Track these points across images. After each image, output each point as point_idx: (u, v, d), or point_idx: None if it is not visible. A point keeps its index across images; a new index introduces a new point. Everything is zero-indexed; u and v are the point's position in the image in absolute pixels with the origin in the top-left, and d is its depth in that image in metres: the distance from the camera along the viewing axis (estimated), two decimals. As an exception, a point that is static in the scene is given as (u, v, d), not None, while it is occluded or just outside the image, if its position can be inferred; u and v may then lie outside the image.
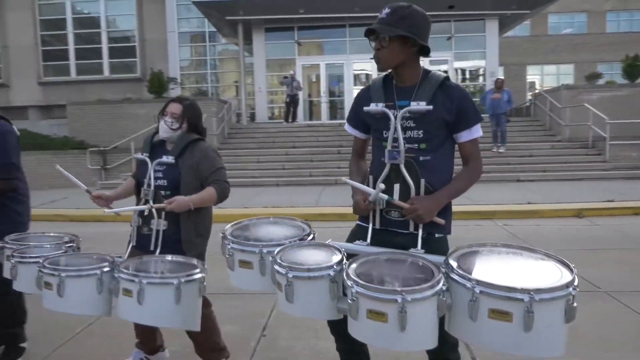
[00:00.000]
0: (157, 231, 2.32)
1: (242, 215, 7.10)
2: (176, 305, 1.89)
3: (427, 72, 1.85)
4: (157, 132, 2.49)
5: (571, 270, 1.42)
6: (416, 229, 1.79)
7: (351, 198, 1.92)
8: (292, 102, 14.90)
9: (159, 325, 2.19)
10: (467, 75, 17.48)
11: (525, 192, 8.60)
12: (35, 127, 17.64)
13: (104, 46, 19.25)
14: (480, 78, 17.00)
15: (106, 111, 13.57)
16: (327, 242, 1.79)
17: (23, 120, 19.26)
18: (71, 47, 19.30)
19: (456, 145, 1.89)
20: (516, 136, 12.30)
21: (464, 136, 1.83)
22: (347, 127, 2.11)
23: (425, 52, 1.83)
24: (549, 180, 10.01)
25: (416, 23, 1.76)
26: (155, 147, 2.45)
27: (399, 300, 1.29)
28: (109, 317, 2.03)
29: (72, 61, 19.32)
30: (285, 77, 15.14)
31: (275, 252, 1.70)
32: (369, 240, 1.85)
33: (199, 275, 2.02)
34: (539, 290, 1.31)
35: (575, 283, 1.37)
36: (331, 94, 16.70)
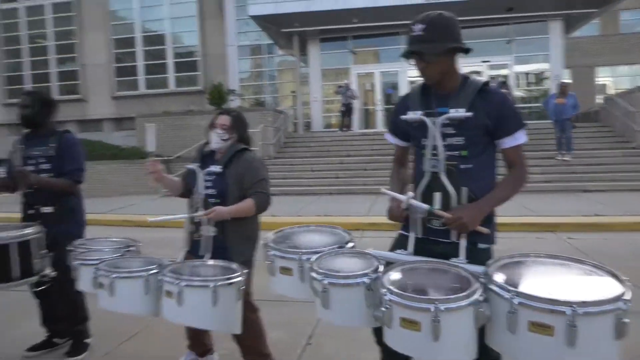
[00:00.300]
0: (207, 237, 2.41)
1: (294, 223, 7.22)
2: (213, 307, 1.96)
3: (465, 78, 1.82)
4: (207, 143, 2.59)
5: (622, 283, 1.35)
6: (459, 238, 1.75)
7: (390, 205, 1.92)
8: (347, 110, 14.98)
9: (197, 326, 2.26)
10: (530, 80, 16.74)
11: (593, 203, 8.06)
12: (109, 138, 18.94)
13: (170, 61, 20.38)
14: (545, 82, 16.21)
15: (170, 123, 14.28)
16: (366, 251, 1.80)
17: (98, 132, 20.76)
18: (140, 64, 20.61)
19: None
20: (583, 143, 11.57)
21: (507, 143, 1.78)
22: (387, 135, 2.12)
23: (465, 52, 1.79)
24: (620, 191, 9.32)
25: (454, 29, 1.74)
26: (206, 158, 2.56)
27: (432, 309, 1.28)
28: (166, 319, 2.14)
29: (141, 76, 20.62)
30: (340, 87, 15.25)
31: (313, 259, 1.74)
32: (411, 249, 1.83)
33: (237, 279, 2.08)
34: (583, 303, 1.24)
35: (627, 297, 1.28)
36: (386, 101, 16.60)
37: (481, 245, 1.79)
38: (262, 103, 18.39)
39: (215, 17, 19.42)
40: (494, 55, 14.87)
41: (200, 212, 2.36)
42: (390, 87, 16.68)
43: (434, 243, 1.82)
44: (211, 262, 2.28)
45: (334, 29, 15.55)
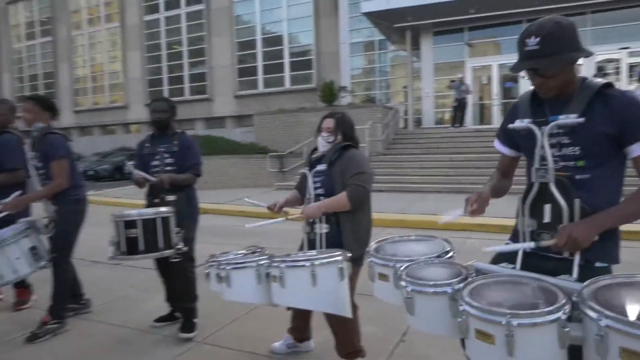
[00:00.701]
0: (321, 234, 2.52)
1: (398, 221, 7.16)
2: (313, 287, 2.07)
3: (583, 80, 1.64)
4: (316, 148, 2.74)
5: None
6: (572, 254, 1.60)
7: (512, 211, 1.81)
8: (460, 106, 14.38)
9: (302, 306, 2.36)
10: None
11: None
12: (231, 134, 20.55)
13: (286, 61, 21.39)
14: None
15: (284, 120, 15.03)
16: (470, 263, 1.77)
17: (221, 128, 22.61)
18: (259, 64, 21.96)
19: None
20: None
21: (636, 150, 1.56)
22: (495, 143, 1.98)
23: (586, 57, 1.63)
24: None
25: (573, 37, 1.56)
26: (315, 162, 2.68)
27: (504, 322, 1.24)
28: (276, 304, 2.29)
29: (260, 76, 21.95)
30: (453, 81, 14.69)
31: (403, 267, 1.77)
32: (518, 264, 1.70)
33: (336, 258, 2.15)
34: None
35: None
36: (504, 95, 15.56)
37: (598, 264, 1.61)
38: (372, 99, 18.42)
39: (330, 16, 19.88)
40: (634, 40, 13.10)
41: (296, 215, 2.49)
42: (510, 81, 15.61)
43: (543, 259, 1.67)
44: (314, 252, 2.37)
45: (448, 21, 15.00)
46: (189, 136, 3.41)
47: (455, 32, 15.84)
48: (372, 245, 2.12)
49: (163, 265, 3.33)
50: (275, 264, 2.15)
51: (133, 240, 2.93)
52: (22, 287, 3.88)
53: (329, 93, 14.66)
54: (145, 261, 3.24)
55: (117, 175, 20.50)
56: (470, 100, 15.01)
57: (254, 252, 2.64)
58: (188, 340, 3.11)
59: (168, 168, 3.24)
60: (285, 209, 2.72)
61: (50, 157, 3.25)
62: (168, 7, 24.23)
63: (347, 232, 2.50)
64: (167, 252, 3.02)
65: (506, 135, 1.88)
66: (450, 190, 10.10)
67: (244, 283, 2.30)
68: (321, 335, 2.92)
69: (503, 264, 1.75)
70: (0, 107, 3.85)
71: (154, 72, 24.93)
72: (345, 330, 2.59)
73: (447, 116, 16.31)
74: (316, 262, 2.09)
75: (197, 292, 3.32)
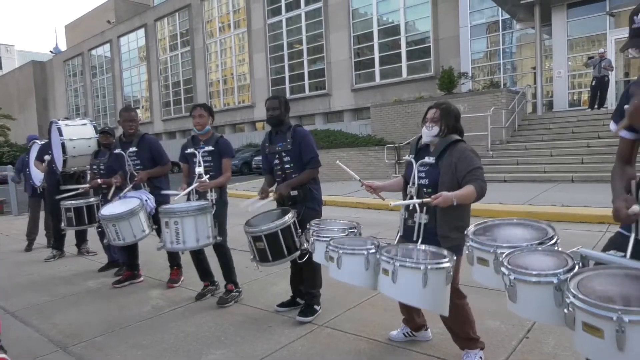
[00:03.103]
0: (420, 224, 2.60)
1: (524, 213, 6.75)
2: (423, 288, 2.16)
3: None
4: (422, 137, 2.77)
5: None
6: None
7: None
8: (600, 85, 12.82)
9: (408, 303, 2.50)
10: None
11: None
12: (348, 127, 20.99)
13: (403, 50, 21.11)
14: None
15: (401, 110, 14.90)
16: (576, 249, 1.73)
17: (339, 122, 23.20)
18: (376, 56, 21.99)
19: None
20: None
21: None
22: (612, 125, 1.85)
23: None
24: None
25: None
26: (421, 150, 2.73)
27: (615, 318, 1.21)
28: (382, 293, 2.42)
29: (377, 68, 21.99)
30: (591, 58, 13.15)
31: (505, 254, 1.78)
32: (628, 253, 1.62)
33: (446, 265, 2.22)
34: None
35: None
36: (658, 69, 13.47)
37: None
38: (496, 84, 17.31)
39: (448, 0, 19.12)
40: None
41: (428, 199, 2.49)
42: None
43: None
44: (423, 246, 2.48)
45: (585, -9, 13.45)
46: (301, 129, 3.54)
47: (593, 1, 14.12)
48: (471, 228, 2.14)
49: None
50: (389, 260, 2.27)
51: (262, 251, 3.30)
52: (176, 267, 4.55)
53: (448, 80, 14.16)
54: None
55: (245, 169, 22.28)
56: (613, 77, 13.30)
57: (352, 228, 2.93)
58: (307, 324, 3.36)
59: (287, 166, 3.48)
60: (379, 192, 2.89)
61: (224, 155, 3.95)
62: (289, 9, 25.46)
63: (446, 223, 2.53)
64: (293, 256, 3.33)
65: (624, 116, 1.74)
66: (587, 179, 9.15)
67: (353, 267, 2.48)
68: (439, 327, 2.96)
69: (611, 252, 1.66)
70: (132, 115, 4.55)
71: (277, 72, 26.46)
72: (457, 321, 2.63)
73: (585, 97, 14.68)
74: (429, 267, 2.18)
75: (320, 280, 3.55)
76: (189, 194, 3.89)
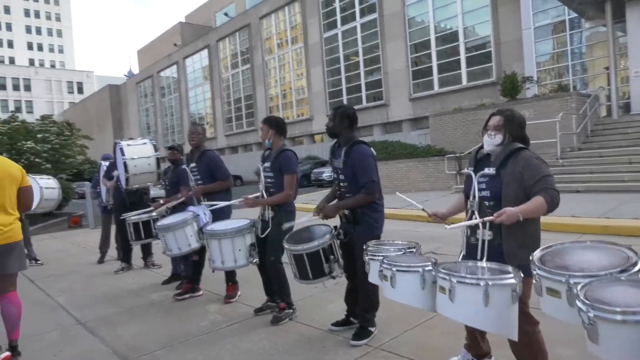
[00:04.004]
0: (483, 241, 2.40)
1: (601, 227, 6.24)
2: (485, 307, 1.97)
3: None
4: (482, 147, 2.57)
5: None
6: None
7: None
8: (685, 83, 11.72)
9: (469, 323, 2.28)
10: None
11: None
12: (407, 137, 20.64)
13: (462, 57, 20.52)
14: None
15: (461, 119, 14.42)
16: None
17: (398, 132, 22.89)
18: (434, 64, 21.53)
19: None
20: None
21: None
22: None
23: None
24: None
25: None
26: (481, 161, 2.54)
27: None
28: (440, 313, 2.24)
29: (435, 76, 21.51)
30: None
31: (580, 285, 1.58)
32: None
33: (510, 281, 2.02)
34: None
35: None
36: None
37: None
38: (565, 87, 16.31)
39: (509, 2, 18.39)
40: None
41: (490, 217, 2.32)
42: None
43: None
44: (485, 263, 2.30)
45: (664, -18, 12.41)
46: (358, 148, 3.26)
47: (673, -6, 12.99)
48: (537, 253, 1.94)
49: (350, 270, 3.46)
50: (445, 276, 2.11)
51: (303, 269, 3.31)
52: (232, 283, 4.63)
53: (511, 86, 13.52)
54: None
55: (305, 182, 22.48)
56: (701, 74, 12.11)
57: (410, 248, 2.74)
58: (363, 346, 3.25)
59: (342, 184, 3.34)
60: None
61: (283, 170, 3.74)
62: (344, 22, 25.65)
63: (512, 239, 2.32)
64: (320, 281, 3.30)
65: None
66: (673, 188, 8.33)
67: (408, 286, 2.33)
68: (502, 355, 2.75)
69: None
70: (197, 129, 4.71)
71: (334, 84, 26.65)
72: (526, 349, 2.41)
73: (667, 97, 13.43)
74: (490, 283, 1.99)
75: (377, 302, 3.42)
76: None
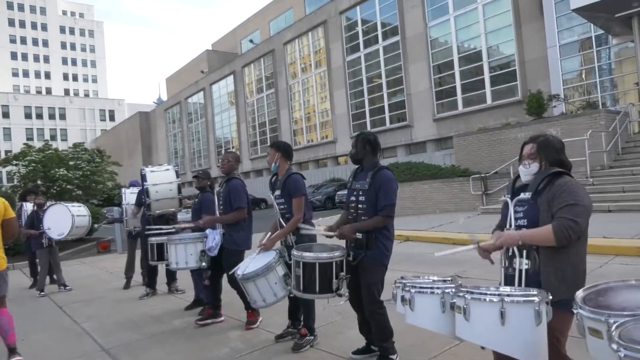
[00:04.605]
0: (520, 271, 2.25)
1: (634, 249, 5.96)
2: (501, 326, 1.87)
3: None
4: (519, 176, 2.46)
5: None
6: None
7: None
8: None
9: (486, 345, 2.10)
10: None
11: None
12: (431, 158, 20.48)
13: (486, 76, 20.38)
14: None
15: (486, 139, 14.23)
16: None
17: (422, 153, 22.73)
18: (458, 84, 21.45)
19: None
20: None
21: None
22: None
23: None
24: None
25: None
26: (519, 190, 2.40)
27: None
28: (471, 342, 2.11)
29: (459, 96, 21.39)
30: None
31: (616, 323, 1.50)
32: None
33: (532, 299, 1.91)
34: None
35: None
36: None
37: None
38: (593, 104, 15.95)
39: (532, 21, 18.28)
40: None
41: (489, 242, 2.26)
42: None
43: None
44: (509, 288, 2.12)
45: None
46: (385, 173, 3.30)
47: None
48: (580, 293, 1.83)
49: (355, 301, 3.43)
50: (461, 294, 2.02)
51: (297, 278, 3.29)
52: (252, 310, 4.60)
53: (537, 104, 13.30)
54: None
55: (329, 204, 22.47)
56: None
57: (445, 281, 2.52)
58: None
59: (360, 206, 3.31)
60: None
61: (292, 195, 3.80)
62: (367, 45, 25.94)
63: (549, 269, 2.17)
64: (325, 296, 3.24)
65: None
66: None
67: (428, 309, 2.24)
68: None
69: None
70: (228, 156, 4.76)
71: (357, 107, 26.81)
72: None
73: None
74: (507, 299, 1.89)
75: (389, 330, 3.31)
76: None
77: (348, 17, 27.21)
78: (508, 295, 1.92)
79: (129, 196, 7.33)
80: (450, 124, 21.34)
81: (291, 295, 3.77)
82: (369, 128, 25.45)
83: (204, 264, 4.68)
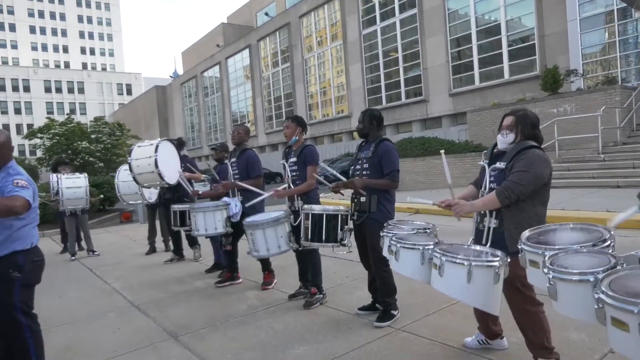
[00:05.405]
0: (489, 228, 2.64)
1: (634, 222, 6.12)
2: (467, 283, 2.28)
3: None
4: (497, 144, 2.79)
5: None
6: None
7: None
8: None
9: (453, 297, 2.61)
10: None
11: None
12: (447, 133, 20.49)
13: (504, 50, 20.08)
14: None
15: (500, 114, 14.15)
16: (634, 253, 1.75)
17: (437, 128, 22.70)
18: (475, 58, 21.17)
19: None
20: None
21: None
22: None
23: None
24: None
25: None
26: (497, 157, 2.75)
27: (636, 311, 1.28)
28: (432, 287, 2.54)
29: (476, 70, 21.16)
30: None
31: (549, 255, 1.86)
32: None
33: (493, 263, 2.31)
34: None
35: None
36: None
37: None
38: (613, 80, 15.72)
39: (553, -7, 17.89)
40: None
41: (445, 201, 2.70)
42: None
43: None
44: (478, 247, 2.58)
45: None
46: (386, 143, 3.62)
47: None
48: (526, 233, 2.19)
49: (365, 261, 3.80)
50: (438, 254, 2.42)
51: (306, 229, 3.73)
52: (268, 271, 4.99)
53: (552, 80, 13.22)
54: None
55: (344, 178, 22.73)
56: None
57: (424, 229, 3.06)
58: (385, 328, 3.52)
59: (364, 172, 3.64)
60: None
61: (307, 162, 4.17)
62: (384, 18, 25.63)
63: (511, 226, 2.53)
64: (331, 245, 3.65)
65: None
66: None
67: (410, 261, 2.66)
68: (516, 337, 2.94)
69: None
70: (238, 129, 5.10)
71: (373, 81, 26.70)
72: (530, 328, 2.63)
73: None
74: (473, 263, 2.28)
75: (393, 286, 3.66)
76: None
77: (365, -10, 26.86)
78: (475, 260, 2.32)
79: (122, 173, 7.75)
80: (466, 99, 21.21)
81: (297, 248, 4.14)
82: (384, 103, 25.43)
83: (230, 229, 4.97)
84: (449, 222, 7.94)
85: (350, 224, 3.72)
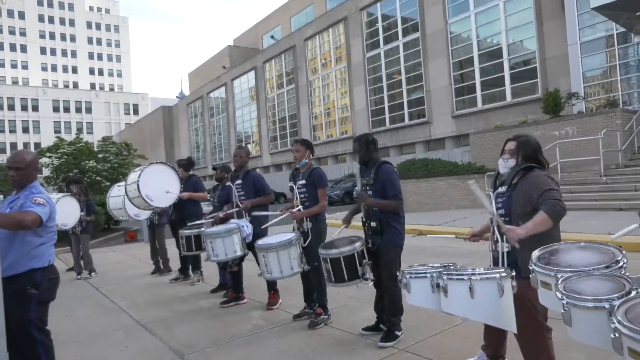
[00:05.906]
0: (503, 253, 2.67)
1: (635, 245, 6.19)
2: (472, 299, 2.30)
3: None
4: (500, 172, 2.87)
5: None
6: None
7: None
8: None
9: (463, 315, 2.60)
10: None
11: None
12: (450, 155, 20.61)
13: (506, 73, 20.37)
14: None
15: (502, 136, 14.32)
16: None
17: (440, 150, 22.84)
18: (477, 81, 21.47)
19: None
20: None
21: None
22: None
23: None
24: None
25: None
26: (500, 185, 2.82)
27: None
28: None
29: (479, 93, 21.43)
30: None
31: (562, 278, 1.86)
32: None
33: (494, 276, 2.32)
34: None
35: None
36: None
37: None
38: (613, 103, 15.87)
39: (554, 18, 18.22)
40: None
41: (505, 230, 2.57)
42: None
43: None
44: (482, 268, 2.54)
45: None
46: (385, 167, 3.74)
47: None
48: (536, 252, 2.19)
49: (376, 278, 3.82)
50: (442, 276, 2.47)
51: (328, 271, 3.72)
52: (273, 292, 5.05)
53: (553, 103, 13.38)
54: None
55: (347, 199, 22.83)
56: None
57: (446, 267, 2.92)
58: (389, 348, 3.56)
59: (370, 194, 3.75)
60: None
61: (317, 185, 4.27)
62: (387, 41, 26.09)
63: (525, 249, 2.50)
64: (354, 283, 3.63)
65: None
66: None
67: (421, 290, 2.68)
68: (519, 358, 2.97)
69: None
70: (240, 152, 5.24)
71: (376, 102, 27.02)
72: (532, 350, 2.64)
73: None
74: (474, 277, 2.33)
75: (400, 307, 3.73)
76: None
77: (369, 13, 27.38)
78: (474, 274, 2.35)
79: (115, 190, 8.11)
80: (469, 120, 21.41)
81: (305, 268, 4.19)
82: (387, 124, 25.68)
83: (247, 250, 4.96)
84: (452, 243, 8.04)
85: (366, 256, 3.72)
